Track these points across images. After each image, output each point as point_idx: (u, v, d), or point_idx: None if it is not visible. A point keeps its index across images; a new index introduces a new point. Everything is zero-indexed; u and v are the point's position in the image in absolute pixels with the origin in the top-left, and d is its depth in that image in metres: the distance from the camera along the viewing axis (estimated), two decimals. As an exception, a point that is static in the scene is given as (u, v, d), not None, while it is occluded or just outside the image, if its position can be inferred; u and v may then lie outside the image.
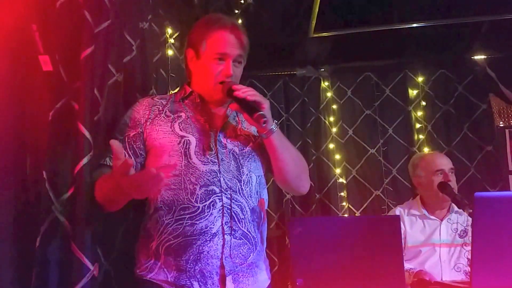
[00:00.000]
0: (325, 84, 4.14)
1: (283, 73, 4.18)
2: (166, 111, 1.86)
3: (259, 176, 1.88)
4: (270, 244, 3.77)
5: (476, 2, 3.40)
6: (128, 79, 2.30)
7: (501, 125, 4.07)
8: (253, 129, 1.93)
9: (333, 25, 3.70)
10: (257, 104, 1.73)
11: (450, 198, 2.54)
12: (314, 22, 3.60)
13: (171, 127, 1.81)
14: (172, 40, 3.15)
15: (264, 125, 1.71)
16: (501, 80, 3.96)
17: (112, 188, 1.61)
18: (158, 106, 1.87)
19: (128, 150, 1.79)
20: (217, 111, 1.91)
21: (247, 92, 1.75)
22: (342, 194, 3.93)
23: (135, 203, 1.74)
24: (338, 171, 3.96)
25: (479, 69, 3.99)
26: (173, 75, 3.05)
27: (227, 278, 1.69)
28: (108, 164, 1.76)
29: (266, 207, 1.93)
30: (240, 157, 1.82)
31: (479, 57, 4.01)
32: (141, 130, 1.82)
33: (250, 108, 1.73)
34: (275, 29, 3.70)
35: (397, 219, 1.54)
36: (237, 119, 1.94)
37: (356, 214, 3.83)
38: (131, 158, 1.77)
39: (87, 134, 1.79)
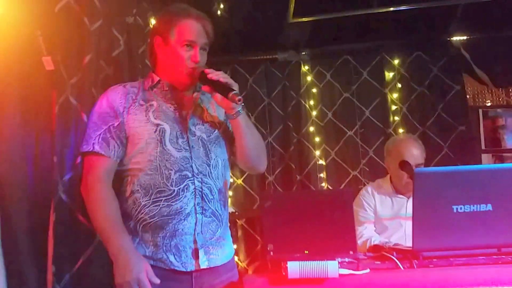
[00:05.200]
0: (305, 68, 4.56)
1: (265, 57, 4.57)
2: (139, 100, 2.10)
3: (224, 159, 2.20)
4: (253, 224, 4.26)
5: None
6: (116, 73, 2.73)
7: (474, 105, 4.55)
8: (218, 113, 2.23)
9: (312, 10, 4.09)
10: (229, 85, 2.04)
11: (409, 176, 2.99)
12: (292, 7, 3.98)
13: (146, 116, 2.07)
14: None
15: (240, 103, 2.01)
16: (475, 61, 4.41)
17: (106, 236, 1.99)
18: (131, 95, 2.11)
19: (115, 140, 2.05)
20: (184, 97, 2.17)
21: (219, 75, 2.04)
22: (321, 175, 4.41)
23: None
24: (318, 153, 4.43)
25: (454, 50, 4.43)
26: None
27: (199, 251, 2.08)
28: (98, 151, 2.02)
29: (228, 187, 2.27)
30: (208, 143, 2.13)
31: (454, 38, 4.45)
32: (122, 120, 2.06)
33: (224, 88, 2.02)
34: (255, 14, 4.05)
35: (348, 192, 1.99)
36: (202, 105, 2.21)
37: (335, 194, 4.29)
38: (119, 148, 2.05)
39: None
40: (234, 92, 2.00)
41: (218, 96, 2.06)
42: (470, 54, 4.41)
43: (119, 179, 2.11)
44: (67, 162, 2.17)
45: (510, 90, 4.59)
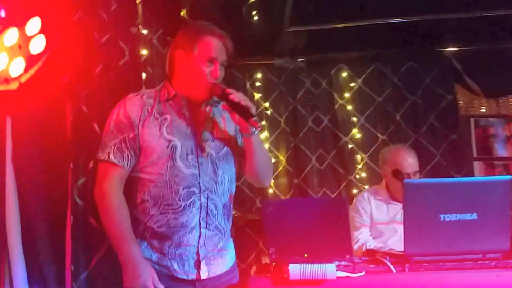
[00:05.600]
0: (301, 74, 4.70)
1: (262, 62, 4.73)
2: (154, 113, 2.18)
3: (231, 175, 2.31)
4: (252, 226, 4.40)
5: (443, 1, 4.02)
6: (123, 81, 2.88)
7: (466, 114, 4.74)
8: (228, 128, 2.31)
9: (308, 20, 4.27)
10: (250, 108, 2.13)
11: (401, 184, 3.16)
12: (288, 16, 4.15)
13: (159, 130, 2.16)
14: (156, 38, 3.70)
15: (259, 129, 2.17)
16: (466, 72, 4.60)
17: (118, 243, 2.11)
18: (147, 107, 2.19)
19: (129, 150, 2.15)
20: (198, 111, 2.26)
21: (240, 97, 2.13)
22: (318, 179, 4.57)
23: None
24: (314, 157, 4.58)
25: (446, 61, 4.61)
26: (158, 70, 3.60)
27: (201, 262, 2.21)
28: (112, 161, 2.13)
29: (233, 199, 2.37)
30: (216, 160, 2.23)
31: (446, 49, 4.64)
32: (137, 132, 2.15)
33: (244, 112, 2.11)
34: (253, 20, 4.21)
35: (344, 201, 2.17)
36: (214, 120, 2.29)
37: (331, 198, 4.46)
38: (132, 158, 2.16)
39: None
40: (255, 118, 2.12)
41: (236, 116, 2.16)
42: (461, 65, 4.60)
43: (130, 185, 2.22)
44: (80, 168, 2.32)
45: (500, 100, 4.78)
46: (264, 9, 4.15)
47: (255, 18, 4.19)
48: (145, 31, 3.49)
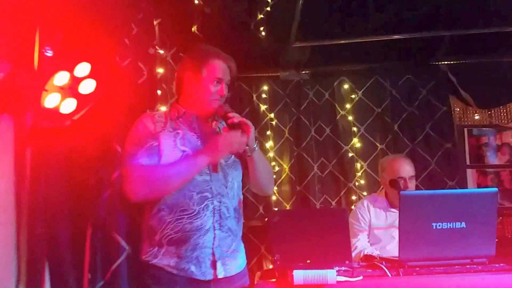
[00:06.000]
0: (305, 87, 4.86)
1: (268, 75, 4.88)
2: (168, 128, 2.34)
3: (239, 181, 2.48)
4: (255, 232, 4.51)
5: (439, 19, 4.19)
6: (141, 99, 3.05)
7: (460, 125, 4.89)
8: None
9: (313, 37, 4.44)
10: (246, 129, 2.33)
11: (398, 192, 3.31)
12: (294, 33, 4.32)
13: (174, 142, 2.31)
14: (170, 56, 3.86)
15: (253, 153, 2.36)
16: (461, 85, 4.76)
17: (189, 165, 2.25)
18: (160, 123, 2.35)
19: (154, 156, 2.28)
20: (206, 126, 2.43)
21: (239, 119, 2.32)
22: (319, 186, 4.71)
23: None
24: (316, 166, 4.73)
25: (441, 74, 4.78)
26: (172, 86, 3.75)
27: (217, 263, 2.33)
28: (141, 163, 2.24)
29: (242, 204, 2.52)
30: (225, 168, 2.39)
31: (442, 63, 4.81)
32: (157, 142, 2.29)
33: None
34: (261, 36, 4.38)
35: (345, 211, 2.32)
36: (221, 132, 2.43)
37: (332, 204, 4.61)
38: (156, 162, 2.26)
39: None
40: (247, 147, 2.34)
41: None
42: (456, 78, 4.75)
43: None
44: (102, 183, 2.48)
45: (493, 111, 4.92)
46: (272, 25, 4.31)
47: (263, 34, 4.34)
48: (161, 51, 3.63)
